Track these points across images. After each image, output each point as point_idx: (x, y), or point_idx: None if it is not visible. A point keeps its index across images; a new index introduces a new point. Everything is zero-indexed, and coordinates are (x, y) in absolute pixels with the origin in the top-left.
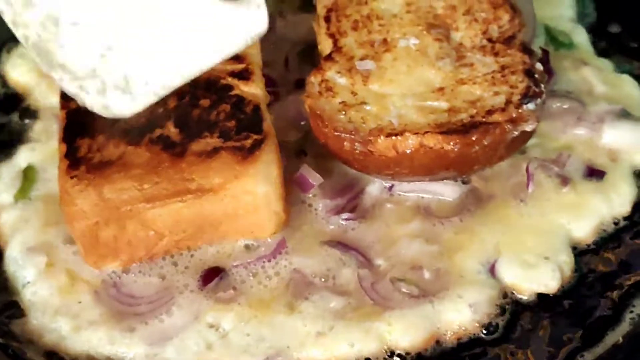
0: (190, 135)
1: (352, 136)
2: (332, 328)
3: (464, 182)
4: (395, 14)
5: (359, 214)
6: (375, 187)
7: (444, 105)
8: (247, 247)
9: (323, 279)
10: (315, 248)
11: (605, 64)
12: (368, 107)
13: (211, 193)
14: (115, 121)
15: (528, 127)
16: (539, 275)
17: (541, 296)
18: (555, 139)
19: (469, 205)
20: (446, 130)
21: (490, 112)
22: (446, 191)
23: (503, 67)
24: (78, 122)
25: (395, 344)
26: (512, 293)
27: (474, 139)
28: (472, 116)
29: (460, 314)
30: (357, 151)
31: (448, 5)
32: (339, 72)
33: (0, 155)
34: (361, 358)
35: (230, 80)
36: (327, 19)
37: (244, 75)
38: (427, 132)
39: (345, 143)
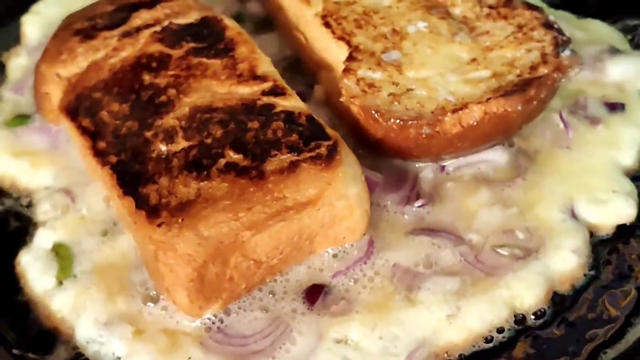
0: (257, 157)
1: (418, 121)
2: (460, 308)
3: (509, 145)
4: (389, 6)
5: (428, 199)
6: (428, 171)
7: (486, 73)
8: (335, 256)
9: (426, 266)
10: (402, 240)
11: (567, 14)
12: (418, 92)
13: (310, 205)
14: (166, 160)
15: (574, 72)
16: (616, 208)
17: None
18: (564, 87)
19: (523, 164)
20: (504, 93)
21: (533, 68)
22: (497, 157)
23: (519, 27)
24: (128, 172)
25: (520, 305)
26: (594, 232)
27: (532, 94)
28: (518, 75)
29: (567, 262)
30: (424, 135)
31: None
32: (370, 69)
33: (18, 244)
34: (494, 329)
35: (266, 99)
36: (327, 25)
37: (278, 92)
38: (489, 98)
39: (410, 130)
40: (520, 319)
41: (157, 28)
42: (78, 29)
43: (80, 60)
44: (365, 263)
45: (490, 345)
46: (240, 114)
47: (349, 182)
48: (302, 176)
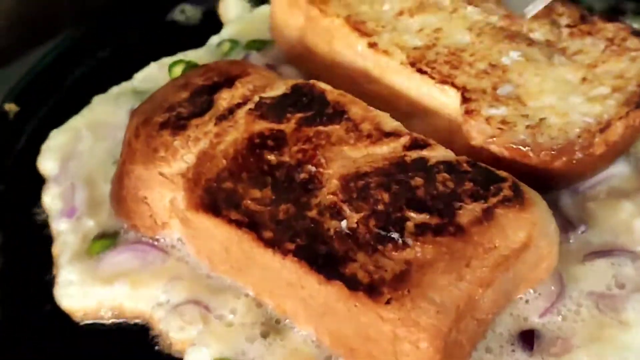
0: (444, 213)
1: (572, 147)
2: None
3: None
4: (471, 42)
5: (584, 223)
6: (565, 197)
7: (605, 89)
8: (527, 301)
9: (619, 287)
10: (582, 268)
11: None
12: (553, 120)
13: (524, 249)
14: (350, 237)
15: None
16: None
17: None
18: None
19: None
20: (636, 105)
21: None
22: (621, 169)
23: (610, 40)
24: (317, 256)
25: None
26: None
27: None
28: (638, 85)
29: None
30: (574, 161)
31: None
32: (492, 106)
33: None
34: None
35: (414, 154)
36: (421, 71)
37: (421, 144)
38: (628, 112)
39: (563, 158)
40: None
41: (251, 105)
42: (162, 122)
43: (183, 154)
44: (563, 297)
45: None
46: (396, 174)
47: (549, 218)
48: (503, 221)
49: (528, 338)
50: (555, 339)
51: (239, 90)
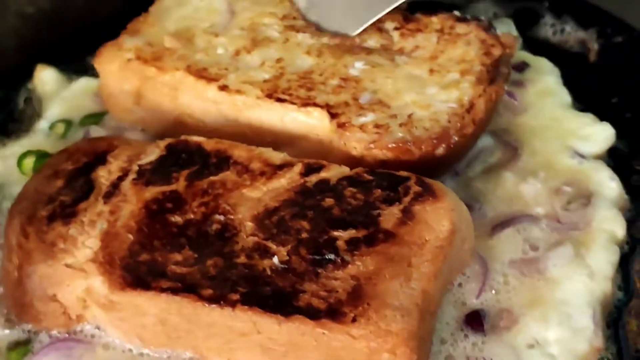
0: (368, 224)
1: (447, 133)
2: (590, 265)
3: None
4: (315, 64)
5: (473, 200)
6: (449, 181)
7: (454, 75)
8: (460, 285)
9: (534, 249)
10: (492, 240)
11: None
12: (420, 113)
13: (452, 236)
14: (288, 270)
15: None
16: None
17: None
18: None
19: (507, 138)
20: (490, 80)
21: (486, 54)
22: (486, 143)
23: (440, 31)
24: (265, 298)
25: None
26: None
27: (507, 72)
28: (482, 64)
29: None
30: (452, 145)
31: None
32: (360, 115)
33: None
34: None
35: (313, 178)
36: (281, 100)
37: (315, 167)
38: (484, 89)
39: (443, 145)
40: None
41: (133, 175)
42: (49, 215)
43: (83, 240)
44: (490, 273)
45: None
46: (305, 200)
47: (460, 201)
48: (425, 216)
49: (475, 320)
50: (500, 314)
51: (114, 164)
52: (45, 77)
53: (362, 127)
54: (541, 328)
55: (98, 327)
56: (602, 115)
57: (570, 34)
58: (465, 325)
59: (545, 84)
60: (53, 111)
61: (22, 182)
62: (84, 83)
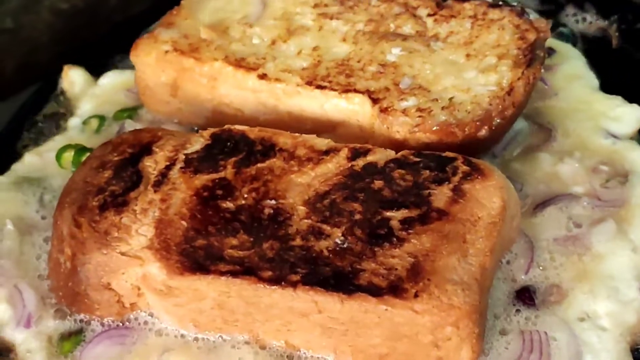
0: (420, 204)
1: (488, 115)
2: (635, 239)
3: None
4: (351, 50)
5: (514, 181)
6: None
7: (491, 59)
8: (508, 262)
9: (577, 226)
10: (536, 219)
11: None
12: (461, 97)
13: (503, 212)
14: (347, 250)
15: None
16: None
17: None
18: None
19: (541, 121)
20: (527, 64)
21: (521, 39)
22: (521, 126)
23: (473, 17)
24: (326, 278)
25: None
26: None
27: (542, 55)
28: (517, 49)
29: None
30: (494, 127)
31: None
32: (402, 100)
33: None
34: None
35: (360, 161)
36: (321, 87)
37: (362, 151)
38: (522, 72)
39: (485, 127)
40: None
41: (181, 164)
42: (100, 205)
43: (136, 228)
44: (536, 250)
45: None
46: (354, 184)
47: (508, 182)
48: (475, 194)
49: (526, 295)
50: (549, 289)
51: (160, 154)
52: (73, 77)
53: (404, 112)
54: (590, 302)
55: (151, 314)
56: (629, 98)
57: (591, 23)
58: (516, 300)
59: (573, 68)
60: (85, 108)
61: (61, 175)
62: (113, 78)
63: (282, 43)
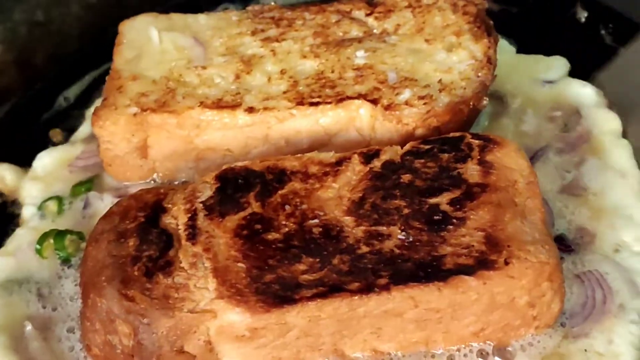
0: (458, 184)
1: (485, 83)
2: None
3: None
4: (320, 64)
5: None
6: None
7: (451, 38)
8: None
9: (568, 171)
10: None
11: None
12: (448, 77)
13: (531, 169)
14: (414, 242)
15: None
16: None
17: None
18: None
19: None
20: (487, 31)
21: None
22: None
23: (408, 7)
24: (411, 273)
25: None
26: None
27: (491, 23)
28: (467, 22)
29: None
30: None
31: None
32: (397, 94)
33: None
34: None
35: (376, 163)
36: (315, 104)
37: (373, 153)
38: (489, 39)
39: (485, 96)
40: None
41: (203, 212)
42: (145, 273)
43: (194, 283)
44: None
45: None
46: (383, 183)
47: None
48: (501, 162)
49: (563, 243)
50: (578, 232)
51: (174, 209)
52: (1, 173)
53: (407, 103)
54: (616, 234)
55: None
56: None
57: None
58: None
59: None
60: (30, 195)
61: (44, 266)
62: (47, 159)
63: (246, 75)
